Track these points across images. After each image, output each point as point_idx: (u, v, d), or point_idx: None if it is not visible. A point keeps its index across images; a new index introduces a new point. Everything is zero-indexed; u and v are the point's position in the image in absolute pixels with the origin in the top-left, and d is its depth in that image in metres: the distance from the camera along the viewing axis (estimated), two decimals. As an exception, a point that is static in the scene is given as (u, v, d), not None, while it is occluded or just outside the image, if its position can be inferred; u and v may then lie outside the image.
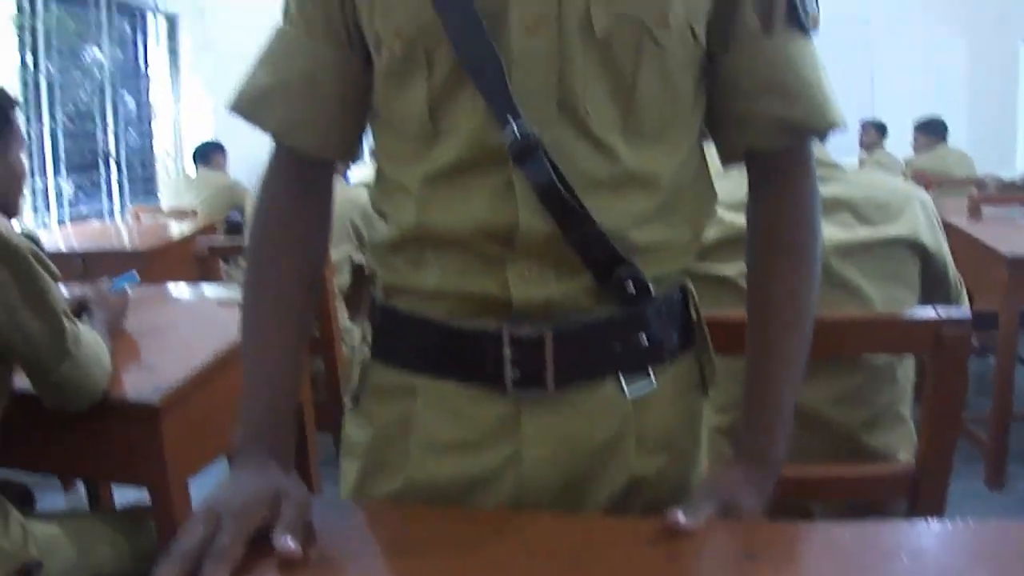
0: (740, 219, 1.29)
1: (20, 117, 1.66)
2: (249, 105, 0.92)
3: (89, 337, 1.51)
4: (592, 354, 0.85)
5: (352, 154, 0.95)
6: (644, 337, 0.86)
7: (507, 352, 0.83)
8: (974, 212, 3.83)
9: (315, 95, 0.89)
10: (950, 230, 3.23)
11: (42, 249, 1.48)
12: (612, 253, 0.81)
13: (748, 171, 0.94)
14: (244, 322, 0.95)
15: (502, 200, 0.80)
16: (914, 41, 8.36)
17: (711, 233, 1.30)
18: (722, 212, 1.31)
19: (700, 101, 0.88)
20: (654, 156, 0.83)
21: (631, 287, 0.83)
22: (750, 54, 0.85)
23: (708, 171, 0.93)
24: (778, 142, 0.87)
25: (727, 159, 0.93)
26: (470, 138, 0.80)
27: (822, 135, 0.93)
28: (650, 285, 0.84)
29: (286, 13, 0.92)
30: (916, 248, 1.38)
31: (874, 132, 6.87)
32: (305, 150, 0.92)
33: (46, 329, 1.40)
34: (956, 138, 6.23)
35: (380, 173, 0.91)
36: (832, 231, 1.31)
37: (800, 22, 0.85)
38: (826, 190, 1.35)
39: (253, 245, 0.96)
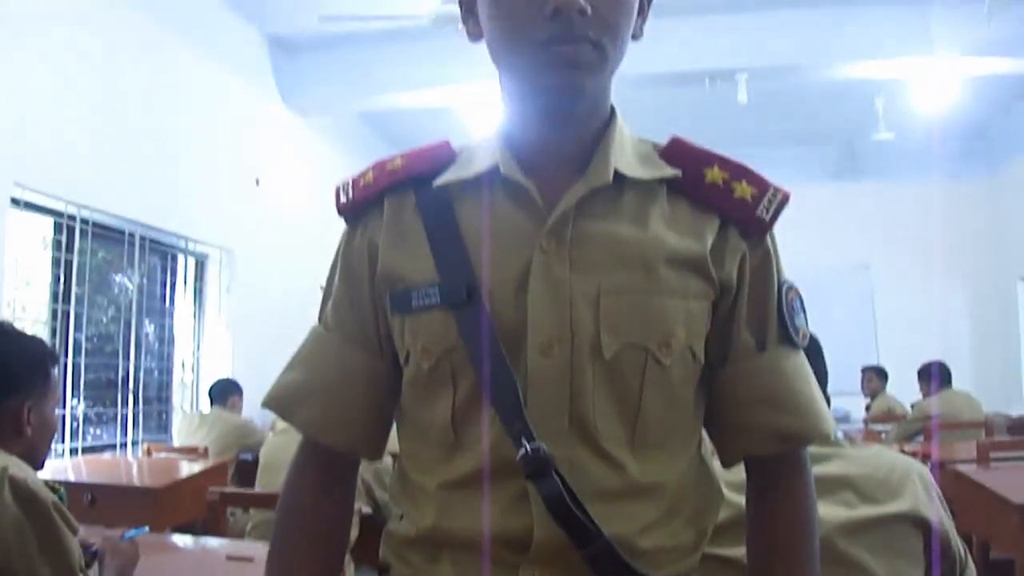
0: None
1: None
2: (283, 403, 0.99)
3: None
4: None
5: (379, 452, 1.00)
6: None
7: None
8: (983, 459, 3.82)
9: (347, 396, 0.96)
10: (960, 478, 3.23)
11: (64, 500, 1.52)
12: (620, 562, 0.84)
13: (746, 469, 1.00)
14: None
15: (517, 510, 0.85)
16: (914, 285, 8.57)
17: (720, 515, 1.32)
18: (728, 494, 1.34)
19: (700, 409, 0.95)
20: (659, 465, 0.89)
21: None
22: (746, 369, 0.93)
23: (710, 472, 0.98)
24: (773, 449, 0.94)
25: (726, 462, 0.99)
26: (489, 452, 0.86)
27: (813, 442, 0.98)
28: None
29: (322, 317, 1.00)
30: (918, 523, 1.39)
31: (876, 378, 6.93)
32: (334, 447, 0.97)
33: None
34: (961, 378, 6.28)
35: (402, 472, 0.97)
36: (836, 510, 1.34)
37: (791, 340, 0.94)
38: (827, 469, 1.39)
39: (278, 534, 1.00)
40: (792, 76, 6.52)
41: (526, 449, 0.82)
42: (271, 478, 2.78)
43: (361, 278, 0.96)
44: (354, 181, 0.99)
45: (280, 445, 2.90)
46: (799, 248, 9.28)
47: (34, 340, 1.72)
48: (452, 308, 0.87)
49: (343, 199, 0.99)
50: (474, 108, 7.23)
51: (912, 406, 6.12)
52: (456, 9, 3.73)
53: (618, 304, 0.86)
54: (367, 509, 2.71)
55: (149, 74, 5.05)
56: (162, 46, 5.19)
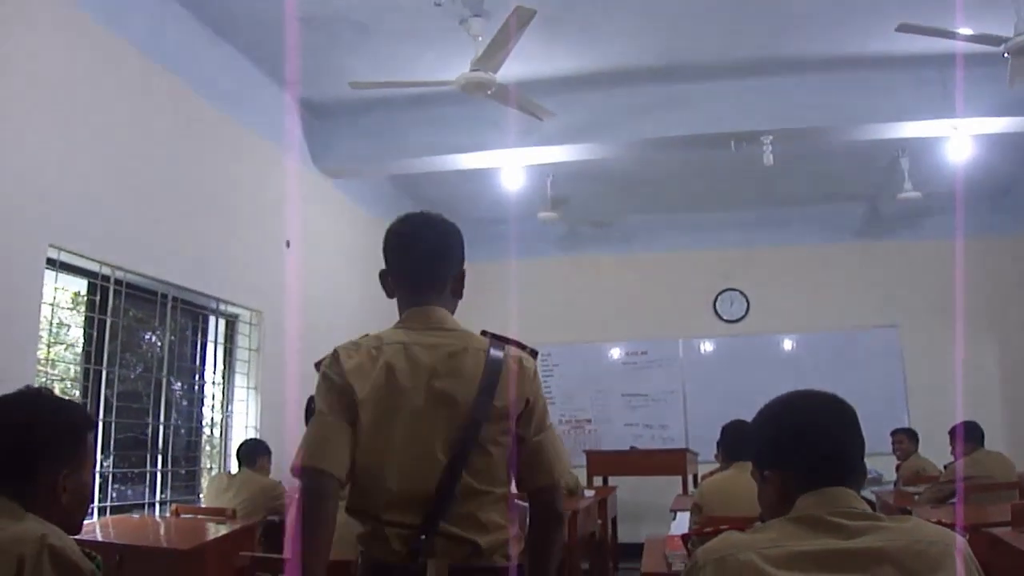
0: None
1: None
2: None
3: None
4: None
5: None
6: None
7: None
8: (1018, 522, 3.74)
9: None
10: (996, 543, 3.17)
11: (100, 569, 1.53)
12: None
13: None
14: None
15: None
16: (943, 343, 8.50)
17: None
18: (769, 569, 1.34)
19: None
20: None
21: None
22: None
23: None
24: None
25: None
26: None
27: None
28: None
29: None
30: (959, 597, 1.38)
31: (906, 440, 6.83)
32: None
33: None
34: (993, 437, 6.20)
35: None
36: (877, 585, 1.33)
37: None
38: (865, 542, 1.39)
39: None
40: (817, 138, 6.57)
41: None
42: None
43: None
44: None
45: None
46: (826, 307, 9.21)
47: (70, 407, 1.73)
48: None
49: None
50: (503, 173, 7.32)
51: (945, 467, 6.03)
52: (485, 75, 3.87)
53: None
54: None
55: (182, 137, 5.18)
56: (195, 110, 5.33)
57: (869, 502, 1.52)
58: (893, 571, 1.35)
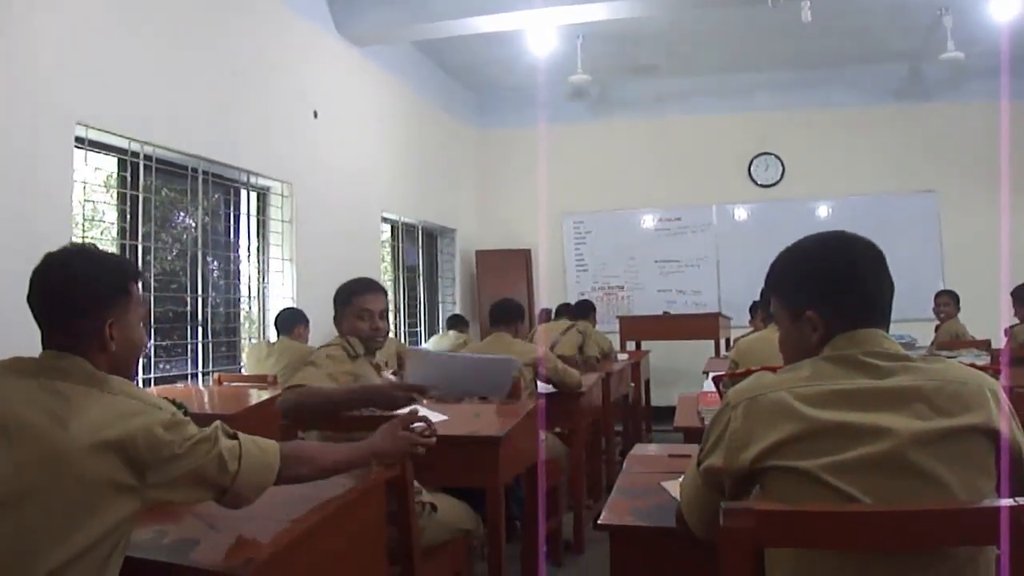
0: (819, 414, 1.34)
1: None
2: None
3: None
4: None
5: None
6: None
7: None
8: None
9: None
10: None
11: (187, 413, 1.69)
12: None
13: None
14: None
15: None
16: (981, 209, 8.39)
17: (791, 428, 1.37)
18: (801, 407, 1.35)
19: None
20: None
21: None
22: None
23: None
24: None
25: None
26: None
27: None
28: None
29: None
30: (991, 435, 1.39)
31: (952, 303, 6.78)
32: None
33: None
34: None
35: None
36: (909, 421, 1.34)
37: None
38: (899, 381, 1.39)
39: None
40: (857, -8, 6.33)
41: None
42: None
43: None
44: None
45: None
46: (863, 171, 9.06)
47: (113, 258, 1.76)
48: None
49: None
50: (531, 35, 7.14)
51: (1013, 328, 5.95)
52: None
53: None
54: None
55: (205, 8, 5.08)
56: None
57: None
58: (927, 409, 1.36)
